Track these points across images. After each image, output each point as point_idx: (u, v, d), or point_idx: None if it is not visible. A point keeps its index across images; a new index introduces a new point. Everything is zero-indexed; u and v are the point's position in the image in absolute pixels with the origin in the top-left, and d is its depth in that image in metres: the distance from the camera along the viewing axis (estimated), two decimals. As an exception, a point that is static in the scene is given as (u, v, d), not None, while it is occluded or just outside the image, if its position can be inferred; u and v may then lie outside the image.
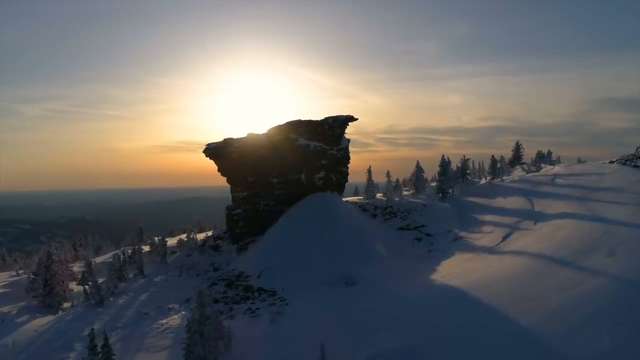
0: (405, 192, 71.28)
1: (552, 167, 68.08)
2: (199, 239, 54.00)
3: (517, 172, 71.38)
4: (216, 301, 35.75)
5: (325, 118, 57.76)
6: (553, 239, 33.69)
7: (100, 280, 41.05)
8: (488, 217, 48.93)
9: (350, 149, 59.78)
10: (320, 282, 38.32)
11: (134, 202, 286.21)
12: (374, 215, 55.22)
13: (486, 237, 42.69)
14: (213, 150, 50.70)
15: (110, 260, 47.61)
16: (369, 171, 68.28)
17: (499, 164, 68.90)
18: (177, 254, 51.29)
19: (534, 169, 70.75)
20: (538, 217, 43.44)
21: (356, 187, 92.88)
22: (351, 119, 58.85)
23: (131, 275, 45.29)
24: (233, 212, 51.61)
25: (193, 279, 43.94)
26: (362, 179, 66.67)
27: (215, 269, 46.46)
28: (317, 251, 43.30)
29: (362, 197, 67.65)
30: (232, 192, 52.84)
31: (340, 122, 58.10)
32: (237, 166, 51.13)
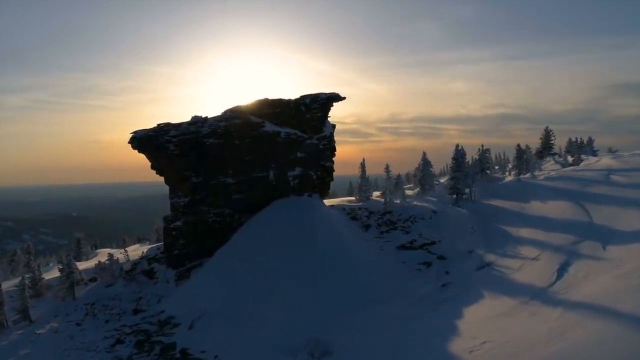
0: (408, 192, 57.06)
1: (596, 158, 53.68)
2: (132, 258, 40.10)
3: (550, 165, 56.95)
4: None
5: (302, 97, 43.53)
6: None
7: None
8: (525, 232, 34.67)
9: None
10: (276, 346, 24.43)
11: (122, 196, 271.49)
12: (367, 227, 41.08)
13: (529, 267, 28.50)
14: (141, 140, 36.62)
15: (15, 288, 34.08)
16: (363, 165, 54.23)
17: (525, 156, 54.47)
18: (96, 283, 37.48)
19: (571, 161, 56.31)
20: (605, 235, 29.31)
21: (350, 183, 78.38)
22: (336, 97, 44.55)
23: (13, 319, 31.58)
24: (171, 226, 37.60)
25: (96, 330, 30.06)
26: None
27: (137, 311, 32.54)
28: (278, 291, 29.38)
29: (354, 198, 53.69)
30: (170, 197, 38.82)
31: (321, 103, 43.81)
32: (177, 162, 37.06)
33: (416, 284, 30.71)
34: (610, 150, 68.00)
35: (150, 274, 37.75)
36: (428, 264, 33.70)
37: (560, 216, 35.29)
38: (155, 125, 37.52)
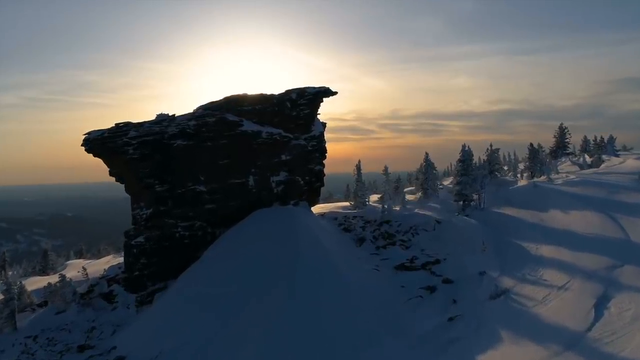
0: (409, 196, 51.74)
1: (619, 159, 48.09)
2: (91, 277, 34.96)
3: (566, 167, 51.45)
4: None
5: (287, 91, 38.19)
6: None
7: None
8: (547, 250, 29.22)
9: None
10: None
11: (120, 196, 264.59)
12: (361, 241, 35.77)
13: (557, 298, 23.06)
14: (95, 143, 31.33)
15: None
16: (358, 167, 49.09)
17: (539, 156, 48.97)
18: (45, 309, 32.29)
19: (590, 162, 50.79)
20: (648, 257, 23.90)
21: (347, 185, 73.15)
22: (326, 92, 39.18)
23: None
24: (132, 242, 32.34)
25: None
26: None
27: (84, 348, 27.27)
28: (250, 328, 24.07)
29: (350, 204, 48.44)
30: (132, 208, 33.54)
31: (309, 98, 38.46)
32: (137, 167, 31.79)
33: (417, 317, 25.31)
34: (625, 148, 62.44)
35: (109, 298, 32.55)
36: (431, 289, 28.29)
37: (587, 230, 29.81)
38: (113, 125, 32.20)
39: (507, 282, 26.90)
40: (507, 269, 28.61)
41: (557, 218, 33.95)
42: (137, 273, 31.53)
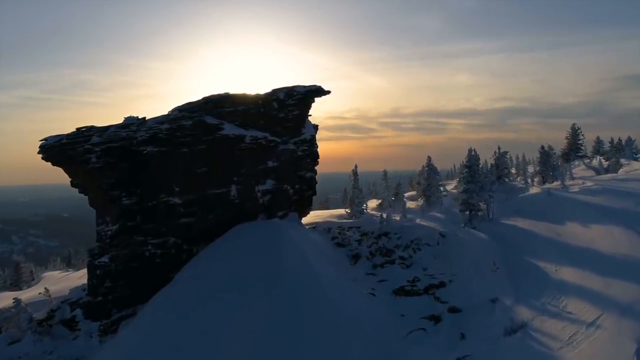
0: (410, 203, 47.99)
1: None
2: (54, 300, 31.20)
3: (580, 171, 47.55)
4: None
5: (273, 90, 34.36)
6: None
7: None
8: (569, 273, 25.42)
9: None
10: None
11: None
12: (356, 257, 32.02)
13: (586, 340, 19.22)
14: (52, 150, 27.54)
15: None
16: (355, 173, 45.35)
17: (554, 160, 45.08)
18: (-1, 337, 28.53)
19: (607, 166, 46.91)
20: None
21: (345, 189, 69.32)
22: (318, 91, 35.36)
23: None
24: (97, 262, 28.57)
25: None
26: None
27: (31, 389, 23.50)
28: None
29: (346, 212, 44.68)
30: (97, 223, 29.76)
31: (298, 98, 34.63)
32: (101, 178, 27.97)
33: (419, 356, 21.53)
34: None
35: (71, 325, 28.76)
36: (436, 319, 24.52)
37: (615, 250, 25.99)
38: (75, 130, 28.39)
39: (523, 312, 23.11)
40: (522, 296, 24.84)
41: (576, 233, 30.14)
42: (100, 298, 27.75)
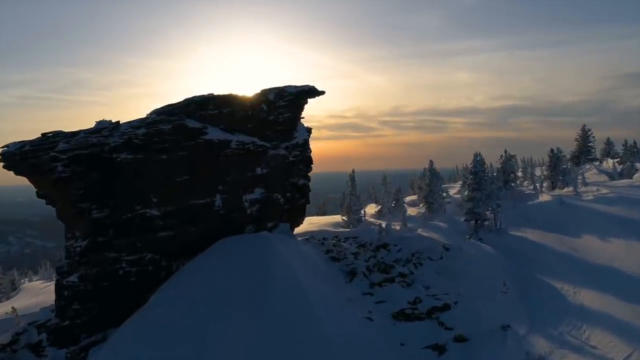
0: (411, 210, 45.29)
1: (657, 168, 41.41)
2: (21, 320, 28.55)
3: (592, 176, 44.74)
4: None
5: (263, 91, 31.63)
6: None
7: None
8: (589, 297, 22.66)
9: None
10: None
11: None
12: (352, 274, 29.25)
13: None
14: (13, 158, 24.84)
15: None
16: (352, 178, 42.84)
17: (565, 164, 42.27)
18: (-43, 365, 25.86)
19: (620, 171, 44.11)
20: None
21: (343, 193, 66.56)
22: (311, 92, 32.64)
23: None
24: (65, 282, 25.88)
25: None
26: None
27: None
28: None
29: (342, 219, 42.06)
30: (66, 238, 27.05)
31: (289, 99, 31.92)
32: (69, 189, 25.24)
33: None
34: None
35: (37, 350, 26.08)
36: (440, 350, 21.76)
37: (635, 268, 23.22)
38: (40, 135, 25.63)
39: (540, 344, 20.37)
40: (538, 323, 22.09)
41: (594, 248, 27.39)
42: (68, 322, 25.05)
